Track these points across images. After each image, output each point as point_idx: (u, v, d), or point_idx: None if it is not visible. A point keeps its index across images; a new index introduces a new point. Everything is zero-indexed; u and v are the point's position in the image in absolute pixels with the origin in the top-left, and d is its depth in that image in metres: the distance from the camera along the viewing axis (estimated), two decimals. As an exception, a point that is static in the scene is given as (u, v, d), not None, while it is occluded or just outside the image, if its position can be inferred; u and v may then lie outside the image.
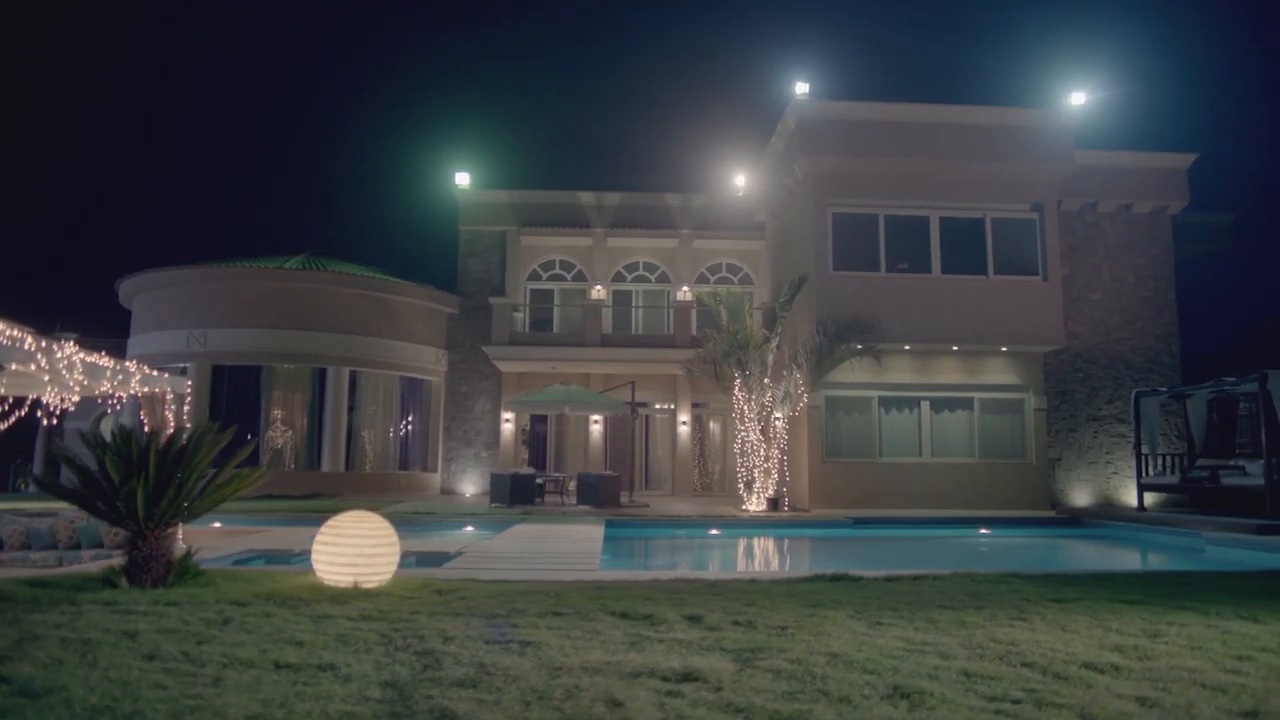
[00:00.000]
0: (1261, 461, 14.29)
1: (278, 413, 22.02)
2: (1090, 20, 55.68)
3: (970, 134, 19.27)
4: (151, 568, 6.54)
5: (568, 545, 11.12)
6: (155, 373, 11.39)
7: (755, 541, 14.91)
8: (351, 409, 22.28)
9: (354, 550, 6.69)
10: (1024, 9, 61.30)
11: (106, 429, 22.44)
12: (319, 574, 6.81)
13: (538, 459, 24.11)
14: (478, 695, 3.80)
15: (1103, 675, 4.22)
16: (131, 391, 11.07)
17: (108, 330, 25.54)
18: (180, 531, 11.65)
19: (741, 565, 12.67)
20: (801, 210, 20.11)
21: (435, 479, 24.02)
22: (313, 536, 11.71)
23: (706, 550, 14.12)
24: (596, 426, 23.63)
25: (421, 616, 5.70)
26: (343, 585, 6.67)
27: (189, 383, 12.32)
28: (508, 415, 23.33)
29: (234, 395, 21.34)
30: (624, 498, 19.78)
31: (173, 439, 6.64)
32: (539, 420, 24.19)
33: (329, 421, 21.68)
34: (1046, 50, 54.46)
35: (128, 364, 10.73)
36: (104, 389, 10.50)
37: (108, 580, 6.41)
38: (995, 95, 61.73)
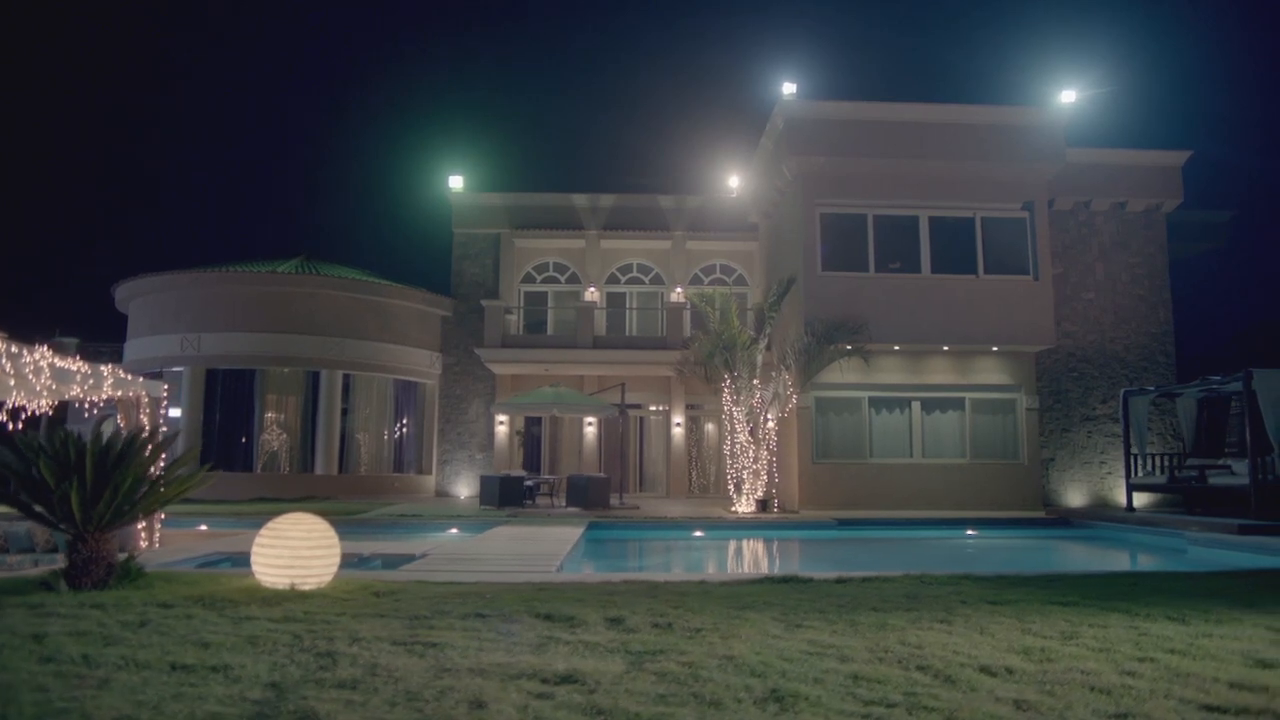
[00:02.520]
0: (1248, 461, 14.11)
1: (271, 416, 22.19)
2: (1082, 18, 55.34)
3: (959, 133, 19.15)
4: (91, 571, 6.59)
5: (537, 547, 11.13)
6: (129, 376, 11.45)
7: (733, 544, 14.86)
8: (345, 412, 22.40)
9: (291, 553, 6.72)
10: (1015, 7, 61.02)
11: (108, 431, 22.70)
12: (257, 576, 6.85)
13: (532, 461, 24.15)
14: (350, 696, 3.81)
15: (994, 679, 4.18)
16: (104, 395, 11.13)
17: (109, 335, 25.84)
18: (158, 533, 11.80)
19: (709, 567, 12.64)
20: (791, 210, 20.07)
21: (430, 481, 24.11)
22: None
23: (680, 553, 14.10)
24: (590, 428, 23.65)
25: (345, 619, 5.72)
26: (280, 587, 6.70)
27: (165, 386, 12.39)
28: (502, 417, 23.39)
29: (228, 399, 21.51)
30: (614, 500, 19.78)
31: (111, 442, 6.69)
32: (534, 422, 24.23)
33: (322, 425, 21.80)
34: (1037, 48, 54.26)
35: (102, 368, 10.80)
36: (74, 394, 10.57)
37: (45, 584, 6.47)
38: (986, 93, 61.51)
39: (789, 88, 19.31)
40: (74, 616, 5.46)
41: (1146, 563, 12.01)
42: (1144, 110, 48.70)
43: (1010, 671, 4.29)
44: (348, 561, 10.70)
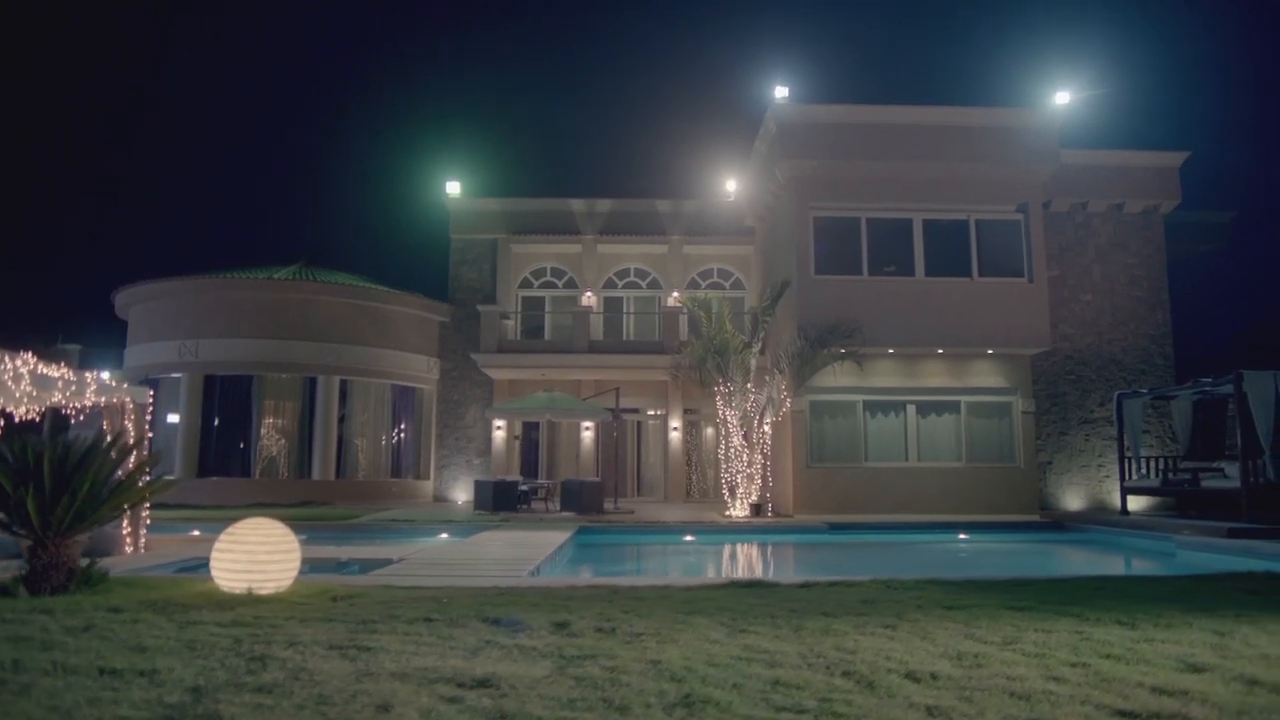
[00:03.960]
0: (1239, 464, 13.97)
1: (269, 422, 22.31)
2: (1079, 19, 55.09)
3: (952, 135, 19.08)
4: (51, 576, 6.64)
5: (516, 552, 11.13)
6: (113, 383, 11.51)
7: (720, 548, 14.82)
8: (342, 418, 22.50)
9: (249, 557, 6.75)
10: (1012, 8, 60.82)
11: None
12: (216, 581, 6.88)
13: (530, 466, 24.18)
14: (262, 700, 3.82)
15: (916, 684, 4.15)
16: (87, 402, 11.19)
17: (112, 341, 26.05)
18: (144, 538, 11.87)
19: (688, 572, 12.60)
20: (785, 214, 20.04)
21: (428, 486, 24.17)
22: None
23: (664, 557, 14.09)
24: (588, 433, 23.66)
25: (293, 623, 5.74)
26: (237, 592, 6.73)
27: (150, 392, 12.45)
28: (499, 422, 23.42)
29: (226, 405, 21.64)
30: (609, 504, 19.79)
31: (70, 448, 6.74)
32: (532, 427, 24.25)
33: (319, 430, 21.90)
34: (1033, 50, 54.02)
35: (86, 375, 10.86)
36: (55, 400, 10.64)
37: (4, 589, 6.52)
38: (982, 95, 61.23)
39: (781, 91, 19.30)
40: (19, 622, 5.50)
41: (1132, 567, 11.91)
42: (1142, 112, 48.47)
43: (935, 677, 4.26)
44: (325, 566, 10.79)
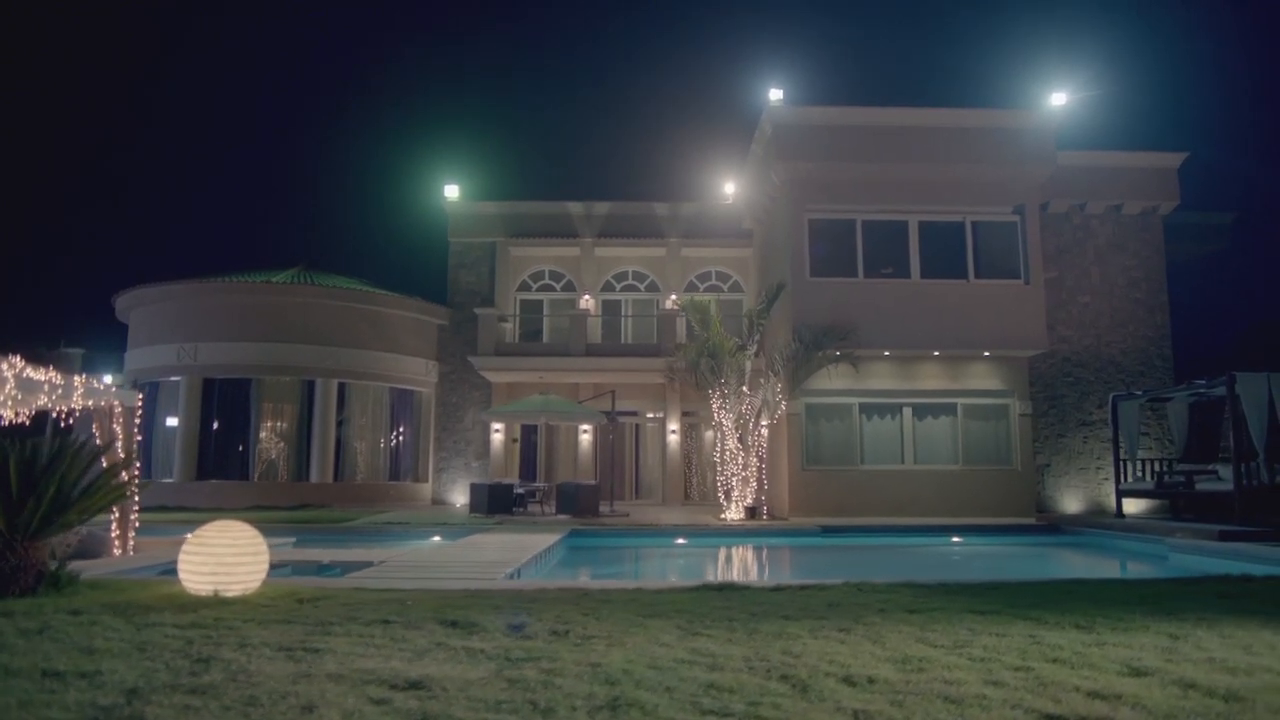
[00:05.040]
0: (1232, 466, 13.86)
1: (268, 425, 22.40)
2: (1076, 20, 54.85)
3: (948, 136, 19.01)
4: (19, 578, 6.69)
5: (498, 555, 11.14)
6: (101, 386, 11.56)
7: (709, 551, 14.79)
8: (340, 421, 22.58)
9: (215, 560, 6.78)
10: (1006, 9, 60.63)
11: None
12: (183, 583, 6.92)
13: (529, 468, 24.20)
14: (191, 701, 3.83)
15: (851, 689, 4.13)
16: (74, 405, 11.25)
17: (115, 345, 26.22)
18: (132, 541, 11.93)
19: (672, 575, 12.59)
20: (781, 216, 20.01)
21: (426, 489, 24.23)
22: (274, 546, 11.91)
23: (653, 560, 14.08)
24: (586, 436, 23.67)
25: (251, 625, 5.76)
26: (203, 594, 6.77)
27: (139, 396, 12.50)
28: (497, 425, 23.46)
29: (225, 408, 21.75)
30: (605, 507, 19.79)
31: (38, 451, 6.79)
32: (530, 430, 24.28)
33: (317, 433, 21.99)
34: (1030, 51, 53.81)
35: (74, 378, 10.92)
36: (41, 403, 10.71)
37: (-28, 590, 6.57)
38: (979, 96, 60.96)
39: (776, 93, 19.27)
40: (-25, 624, 5.54)
41: (1117, 570, 11.83)
42: (1142, 113, 48.25)
43: (872, 681, 4.24)
44: (307, 568, 10.85)
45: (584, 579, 10.22)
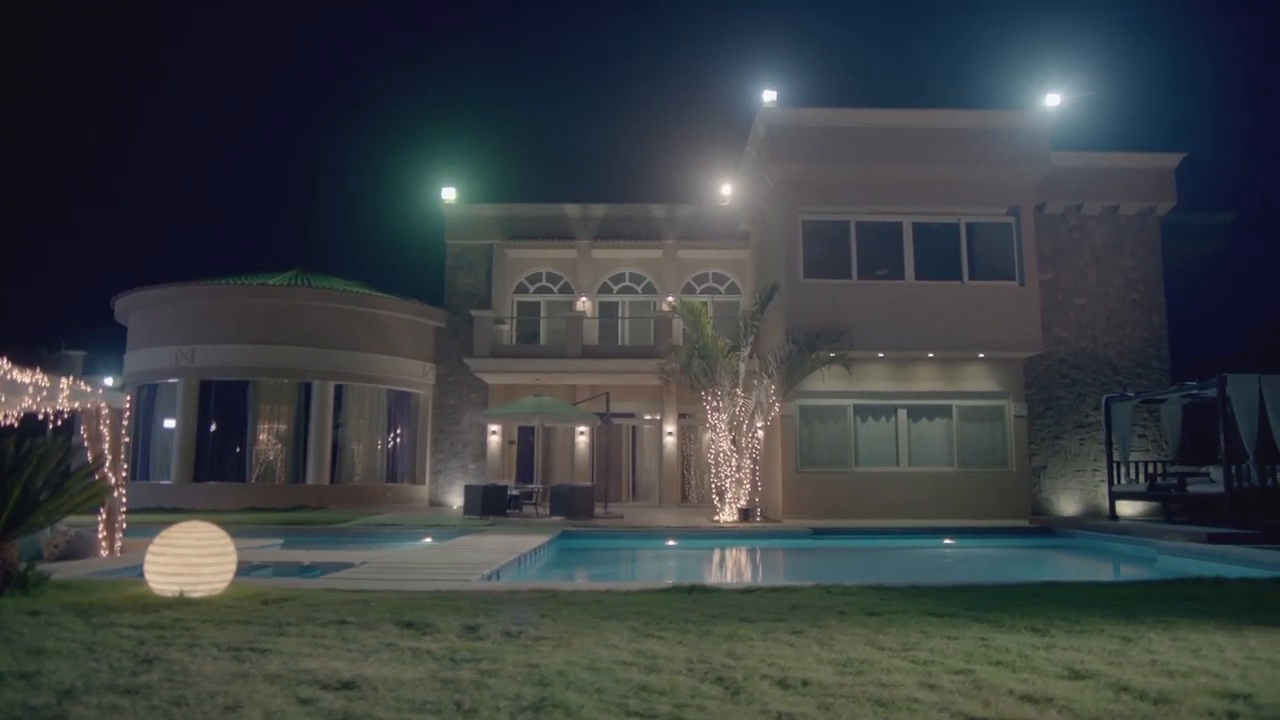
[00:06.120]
0: (1222, 468, 13.76)
1: (264, 426, 22.48)
2: (1073, 21, 54.64)
3: (942, 138, 18.96)
4: (-14, 578, 6.74)
5: (480, 556, 11.15)
6: (88, 388, 11.61)
7: (698, 553, 14.78)
8: (337, 424, 22.65)
9: (180, 560, 6.82)
10: (1001, 10, 60.43)
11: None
12: (149, 584, 6.96)
13: (526, 470, 24.23)
14: (118, 701, 3.84)
15: (784, 691, 4.11)
16: (60, 407, 11.29)
17: (116, 347, 26.37)
18: (119, 542, 11.98)
19: (651, 576, 12.58)
20: (775, 218, 19.99)
21: (423, 491, 24.28)
22: (262, 547, 11.95)
23: (638, 562, 14.07)
24: (583, 438, 23.68)
25: (208, 626, 5.78)
26: (168, 594, 6.80)
27: (127, 398, 12.57)
28: (494, 427, 23.51)
29: (222, 410, 21.84)
30: (599, 508, 19.80)
31: (3, 452, 6.84)
32: (527, 432, 24.32)
33: (314, 435, 22.07)
34: (1024, 52, 53.69)
35: (61, 380, 10.96)
36: (26, 405, 10.76)
37: (-60, 590, 6.62)
38: (972, 98, 60.76)
39: (769, 95, 19.25)
40: (-67, 623, 5.58)
41: (1101, 573, 11.77)
42: (1138, 114, 48.07)
43: (806, 684, 4.22)
44: (289, 569, 10.90)
45: (562, 581, 10.22)
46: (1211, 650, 4.96)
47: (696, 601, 7.08)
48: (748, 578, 12.34)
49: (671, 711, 3.75)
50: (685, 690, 4.10)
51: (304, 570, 10.57)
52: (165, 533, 7.03)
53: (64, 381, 10.96)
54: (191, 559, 6.85)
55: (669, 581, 8.16)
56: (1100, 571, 12.19)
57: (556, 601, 7.03)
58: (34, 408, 10.85)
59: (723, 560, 14.14)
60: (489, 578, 9.52)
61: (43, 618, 5.88)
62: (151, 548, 6.96)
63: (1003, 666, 4.59)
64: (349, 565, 10.35)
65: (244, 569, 10.26)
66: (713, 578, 11.73)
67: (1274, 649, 4.98)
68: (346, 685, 4.11)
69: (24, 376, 10.27)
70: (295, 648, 5.04)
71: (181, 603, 6.62)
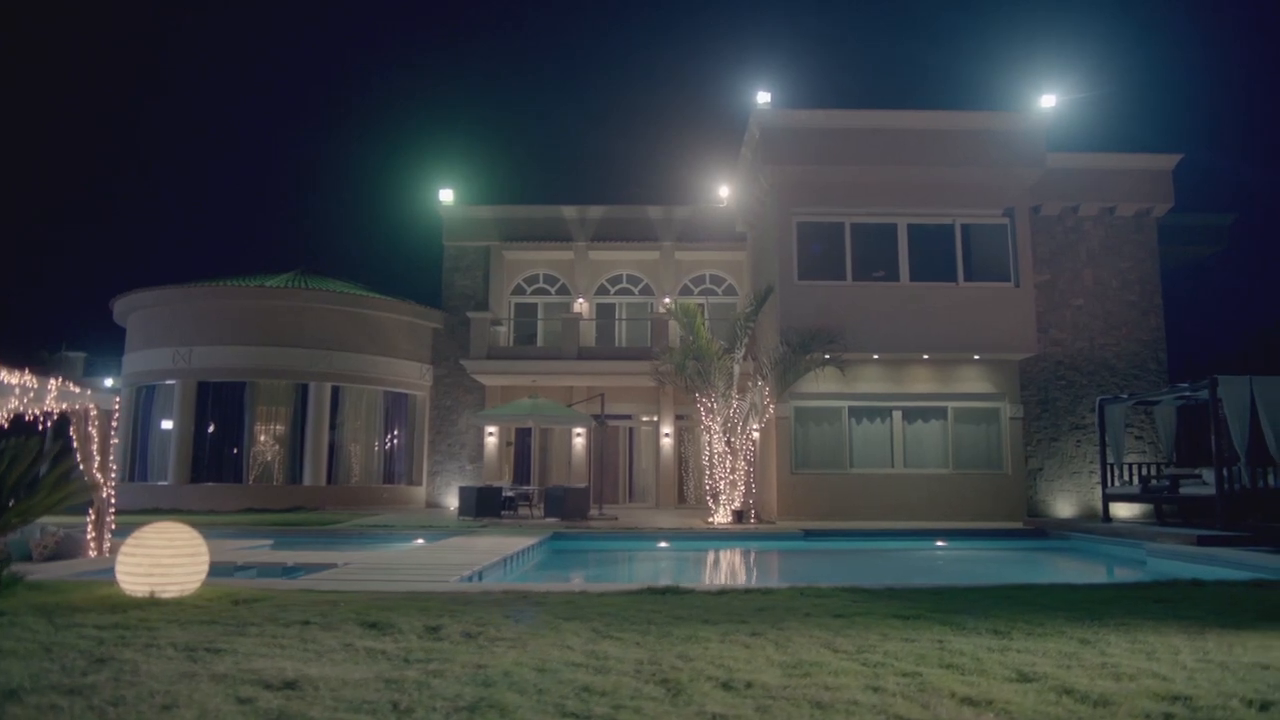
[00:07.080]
0: (1214, 471, 13.68)
1: (262, 428, 22.56)
2: (1071, 21, 54.43)
3: (936, 139, 18.92)
4: (-41, 579, 6.78)
5: (464, 557, 11.16)
6: (76, 389, 11.65)
7: (689, 555, 14.76)
8: (334, 425, 22.71)
9: (151, 561, 6.84)
10: (997, 11, 60.26)
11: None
12: (120, 584, 6.98)
13: (523, 472, 24.26)
14: (60, 701, 3.85)
15: (725, 693, 4.10)
16: (49, 408, 11.33)
17: (116, 349, 26.49)
18: (108, 543, 12.03)
19: (637, 577, 12.55)
20: (770, 219, 19.97)
21: (420, 493, 24.32)
22: (250, 548, 11.96)
23: (627, 564, 14.06)
24: (579, 439, 23.70)
25: (172, 626, 5.80)
26: (139, 595, 6.82)
27: (116, 399, 12.62)
28: (491, 428, 23.54)
29: (219, 412, 21.93)
30: (594, 510, 19.80)
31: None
32: (524, 433, 24.34)
33: (310, 436, 22.14)
34: (1020, 53, 53.53)
35: (49, 381, 11.01)
36: (13, 406, 10.81)
37: (-87, 591, 6.66)
38: (968, 99, 60.58)
39: (764, 97, 19.25)
40: (-104, 623, 5.61)
41: (1090, 575, 11.71)
42: (1135, 115, 47.86)
43: (749, 686, 4.21)
44: (272, 570, 10.92)
45: (545, 582, 10.22)
46: (1166, 653, 4.93)
47: (666, 603, 7.07)
48: (728, 580, 12.31)
49: (608, 713, 3.75)
50: (627, 691, 4.10)
51: (287, 571, 10.58)
52: (137, 533, 7.05)
53: (52, 383, 10.99)
54: (163, 559, 6.87)
55: (649, 583, 8.15)
56: (1083, 574, 12.13)
57: (526, 602, 7.04)
58: (21, 409, 10.89)
59: (709, 562, 14.12)
60: (470, 579, 9.52)
61: (5, 619, 5.91)
62: (123, 548, 6.98)
63: (952, 669, 4.57)
64: (331, 565, 10.38)
65: (228, 570, 10.34)
66: (693, 580, 11.70)
67: (1228, 651, 4.95)
68: (289, 685, 4.11)
69: (11, 377, 10.32)
70: (251, 648, 5.05)
71: (150, 603, 6.64)
